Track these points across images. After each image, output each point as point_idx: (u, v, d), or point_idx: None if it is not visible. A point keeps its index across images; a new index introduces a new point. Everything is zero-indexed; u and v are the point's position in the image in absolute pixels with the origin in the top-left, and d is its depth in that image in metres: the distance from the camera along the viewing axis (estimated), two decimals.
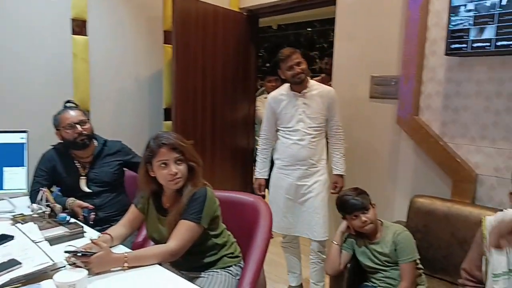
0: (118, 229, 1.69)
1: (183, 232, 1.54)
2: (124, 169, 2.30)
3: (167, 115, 3.14)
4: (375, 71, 2.54)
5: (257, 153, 2.59)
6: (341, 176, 2.44)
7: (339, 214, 2.01)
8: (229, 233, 1.79)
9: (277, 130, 2.51)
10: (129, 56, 3.03)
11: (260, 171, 2.56)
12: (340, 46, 2.73)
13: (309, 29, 5.61)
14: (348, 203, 1.90)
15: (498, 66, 2.01)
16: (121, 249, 1.59)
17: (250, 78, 3.61)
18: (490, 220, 1.67)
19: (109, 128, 2.91)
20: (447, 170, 2.20)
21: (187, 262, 1.61)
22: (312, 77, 4.26)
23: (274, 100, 2.48)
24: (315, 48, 5.56)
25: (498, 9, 1.90)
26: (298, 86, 2.38)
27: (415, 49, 2.27)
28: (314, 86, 2.42)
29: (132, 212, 1.72)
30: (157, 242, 1.63)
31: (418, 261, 1.88)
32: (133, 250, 1.56)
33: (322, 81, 3.62)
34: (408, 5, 2.28)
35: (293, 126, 2.39)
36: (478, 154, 2.12)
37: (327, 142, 2.49)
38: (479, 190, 2.13)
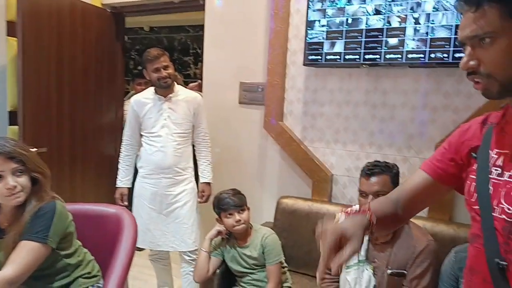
0: None
1: (23, 255, 1.31)
2: None
3: (13, 119, 2.69)
4: (243, 78, 2.60)
5: (119, 160, 2.41)
6: (208, 184, 2.42)
7: (209, 223, 1.99)
8: (85, 250, 1.61)
9: (141, 136, 2.37)
10: None
11: (122, 180, 2.39)
12: (209, 52, 2.74)
13: (183, 33, 5.55)
14: (225, 200, 1.92)
15: (346, 77, 2.25)
16: None
17: (117, 80, 3.36)
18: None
19: None
20: (308, 171, 2.37)
21: None
22: (188, 83, 4.26)
23: (138, 104, 2.34)
24: (189, 53, 5.52)
25: (345, 26, 2.13)
26: (164, 90, 2.29)
27: (278, 59, 2.40)
28: (180, 91, 2.37)
29: None
30: None
31: (283, 261, 1.97)
32: None
33: (199, 87, 3.59)
34: (270, 17, 2.40)
35: (157, 132, 2.29)
36: (332, 156, 2.34)
37: (194, 149, 2.46)
38: (334, 188, 2.34)
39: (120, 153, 2.42)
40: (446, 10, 1.86)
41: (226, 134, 2.69)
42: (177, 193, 2.32)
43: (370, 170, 1.63)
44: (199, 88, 3.42)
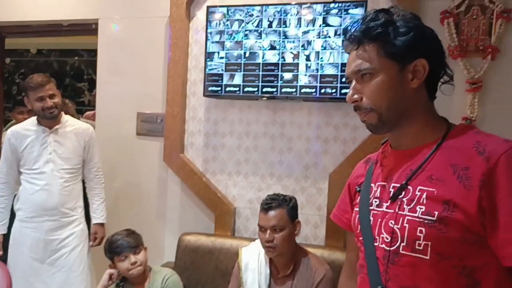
0: None
1: None
2: None
3: None
4: (141, 108, 2.47)
5: None
6: (102, 224, 2.22)
7: (103, 269, 1.80)
8: None
9: (20, 173, 2.09)
10: None
11: None
12: (103, 79, 2.56)
13: (76, 57, 5.18)
14: (118, 242, 1.77)
15: (246, 109, 2.28)
16: None
17: None
18: (246, 251, 1.82)
19: None
20: (211, 205, 2.31)
21: None
22: (83, 111, 3.93)
23: (16, 136, 2.07)
24: (83, 79, 5.16)
25: (243, 59, 2.16)
26: (49, 121, 2.07)
27: (177, 89, 2.34)
28: (69, 121, 2.17)
29: None
30: None
31: None
32: None
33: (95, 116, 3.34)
34: (169, 47, 2.34)
35: (40, 168, 2.05)
36: (235, 188, 2.32)
37: (84, 187, 2.24)
38: (237, 222, 2.31)
39: None
40: (332, 49, 2.01)
41: (123, 168, 2.51)
42: (64, 237, 2.08)
43: (267, 204, 1.63)
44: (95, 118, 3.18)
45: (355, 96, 0.87)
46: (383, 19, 0.83)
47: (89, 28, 2.61)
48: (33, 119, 2.13)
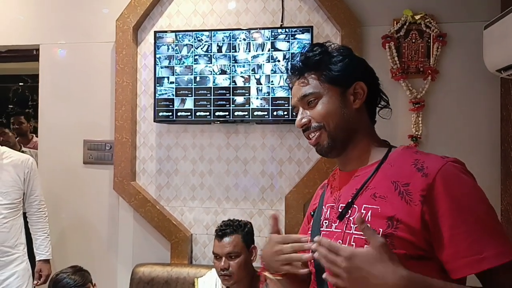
0: None
1: None
2: None
3: None
4: (88, 135, 2.37)
5: None
6: (47, 261, 2.07)
7: None
8: None
9: None
10: None
11: None
12: (46, 106, 2.43)
13: (20, 83, 4.92)
14: (63, 281, 1.65)
15: (199, 133, 2.24)
16: None
17: None
18: (202, 281, 1.75)
19: None
20: (166, 233, 2.22)
21: None
22: (31, 139, 3.70)
23: None
24: (27, 105, 4.89)
25: (194, 84, 2.14)
26: None
27: (127, 115, 2.27)
28: (6, 153, 2.03)
29: None
30: None
31: None
32: None
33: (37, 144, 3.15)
34: (116, 72, 2.27)
35: None
36: (190, 214, 2.25)
37: (26, 221, 2.10)
38: (194, 249, 2.24)
39: None
40: (282, 72, 2.04)
41: (70, 198, 2.37)
42: (5, 278, 1.93)
43: (221, 231, 1.60)
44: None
45: (304, 120, 0.90)
46: (319, 50, 0.91)
47: (29, 54, 2.48)
48: None
